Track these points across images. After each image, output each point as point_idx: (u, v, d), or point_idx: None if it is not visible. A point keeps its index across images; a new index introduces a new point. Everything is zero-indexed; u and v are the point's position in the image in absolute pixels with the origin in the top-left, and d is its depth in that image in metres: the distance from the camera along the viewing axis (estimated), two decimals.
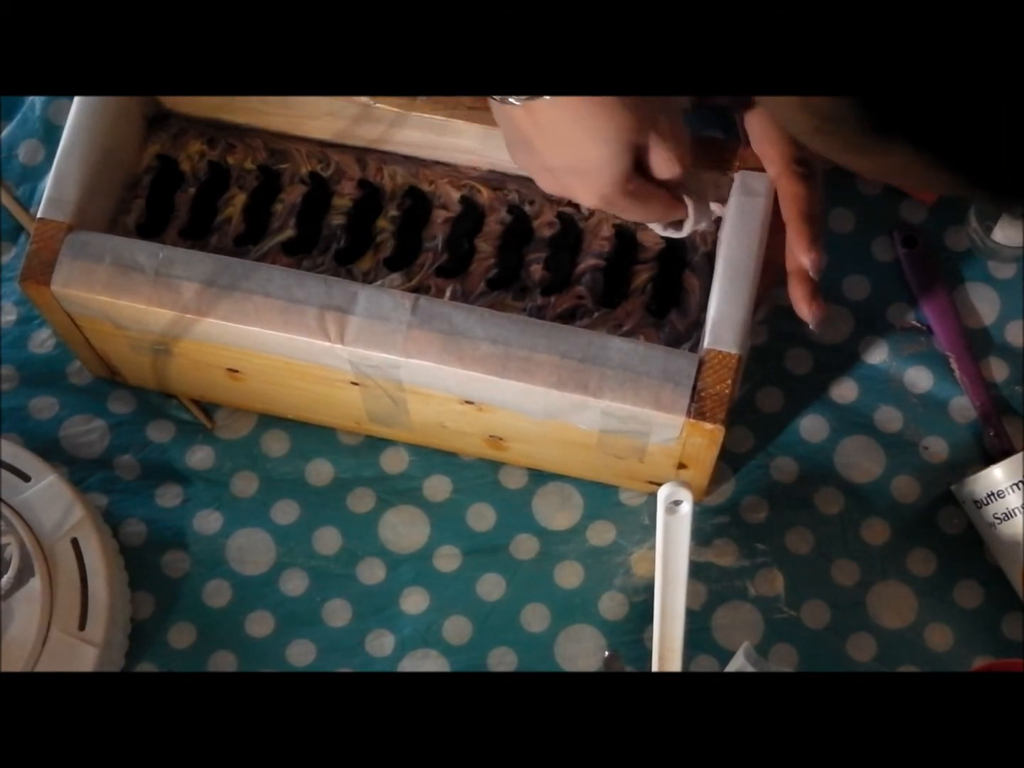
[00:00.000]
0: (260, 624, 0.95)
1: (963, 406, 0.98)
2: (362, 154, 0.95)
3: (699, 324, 0.90)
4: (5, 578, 0.88)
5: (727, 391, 0.84)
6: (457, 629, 0.95)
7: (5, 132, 1.06)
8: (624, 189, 0.80)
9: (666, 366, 0.85)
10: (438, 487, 0.98)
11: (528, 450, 0.94)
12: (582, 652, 0.94)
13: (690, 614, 0.81)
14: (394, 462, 0.98)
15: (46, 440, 0.98)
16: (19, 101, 1.07)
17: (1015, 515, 0.91)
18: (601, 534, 0.96)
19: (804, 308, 0.86)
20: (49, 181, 0.90)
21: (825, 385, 0.99)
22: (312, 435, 0.98)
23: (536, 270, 0.92)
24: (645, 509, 0.97)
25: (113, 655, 0.91)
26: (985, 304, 1.01)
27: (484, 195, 0.94)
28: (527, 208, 0.94)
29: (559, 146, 0.79)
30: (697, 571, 0.94)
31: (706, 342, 0.86)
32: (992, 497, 0.92)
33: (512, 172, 0.94)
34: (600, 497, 0.97)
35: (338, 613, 0.95)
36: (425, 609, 0.95)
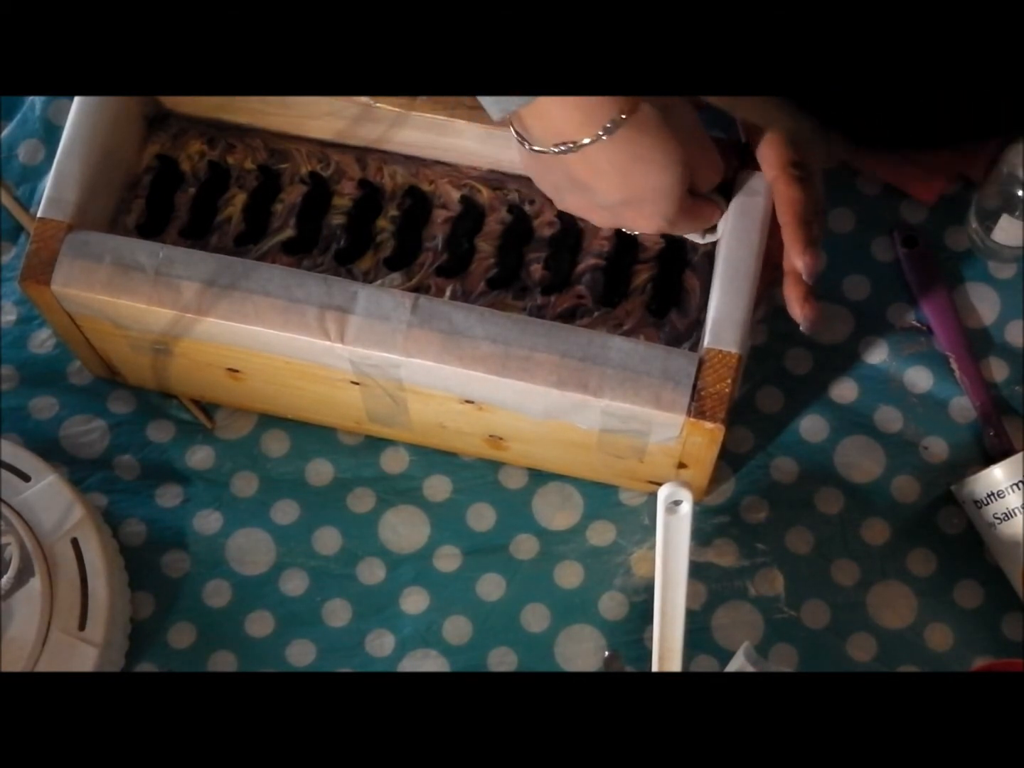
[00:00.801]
0: (260, 624, 0.95)
1: (963, 406, 0.98)
2: (362, 154, 0.95)
3: (699, 324, 0.90)
4: (5, 578, 0.88)
5: (727, 390, 0.84)
6: (457, 629, 0.95)
7: (5, 132, 1.07)
8: (683, 209, 0.84)
9: (666, 365, 0.85)
10: (438, 487, 0.98)
11: (528, 450, 0.94)
12: (582, 652, 0.94)
13: (690, 614, 0.81)
14: (394, 462, 0.98)
15: (46, 440, 0.98)
16: (19, 101, 1.07)
17: (1015, 515, 0.91)
18: (601, 534, 0.96)
19: (797, 309, 0.86)
20: (49, 181, 0.90)
21: (825, 385, 0.99)
22: (312, 435, 0.98)
23: (536, 270, 0.92)
24: (645, 509, 0.97)
25: (113, 655, 0.91)
26: (985, 304, 1.01)
27: (484, 195, 0.94)
28: (527, 208, 0.94)
29: (619, 184, 0.82)
30: (697, 571, 0.94)
31: (706, 341, 0.86)
32: (992, 497, 0.92)
33: (512, 172, 0.94)
34: (600, 497, 0.97)
35: (338, 613, 0.95)
36: (425, 609, 0.95)
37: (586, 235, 0.93)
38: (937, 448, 0.98)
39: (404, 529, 0.97)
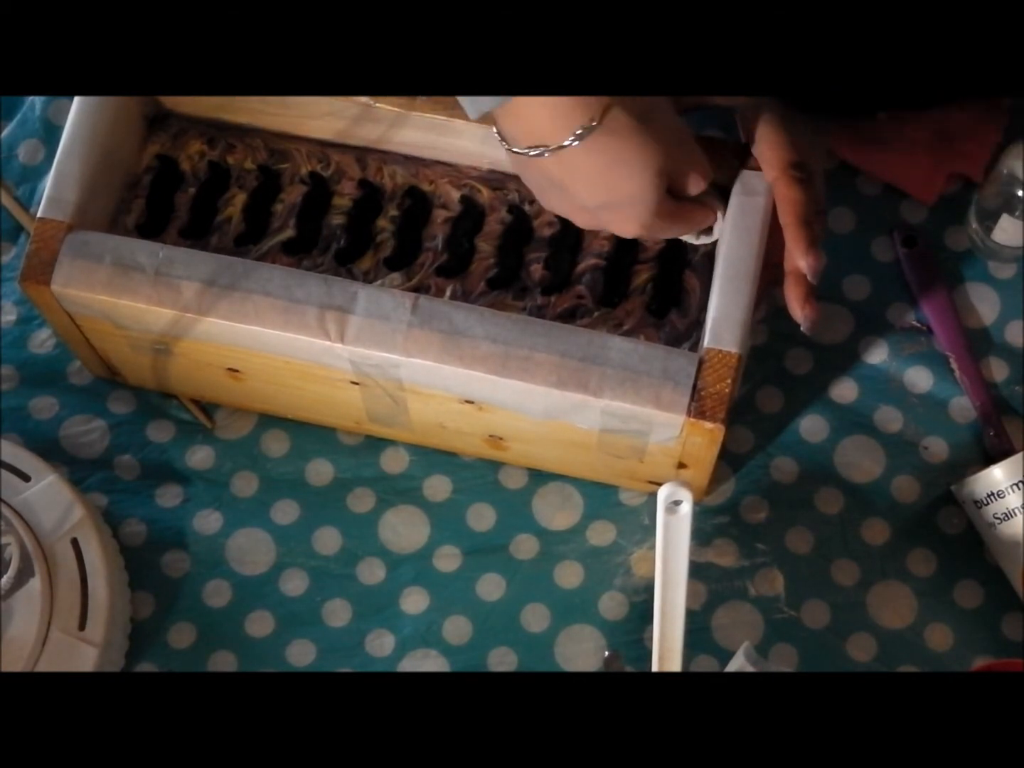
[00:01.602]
0: (260, 624, 0.95)
1: (963, 406, 0.98)
2: (362, 154, 0.95)
3: (699, 323, 0.90)
4: (5, 578, 0.88)
5: (727, 390, 0.84)
6: (457, 629, 0.95)
7: (5, 132, 1.07)
8: (661, 214, 0.83)
9: (666, 365, 0.85)
10: (438, 487, 0.98)
11: (528, 450, 0.94)
12: (582, 652, 0.94)
13: (690, 614, 0.81)
14: (394, 462, 0.98)
15: (46, 440, 0.98)
16: (19, 101, 1.07)
17: (1015, 515, 0.91)
18: (601, 534, 0.96)
19: (797, 309, 0.86)
20: (49, 181, 0.90)
21: (825, 385, 0.99)
22: (312, 435, 0.98)
23: (536, 270, 0.92)
24: (645, 509, 0.97)
25: (113, 655, 0.91)
26: (985, 304, 1.01)
27: (484, 195, 0.94)
28: (527, 208, 0.94)
29: (594, 187, 0.81)
30: (697, 571, 0.94)
31: (706, 341, 0.86)
32: (992, 497, 0.92)
33: (512, 172, 0.93)
34: (600, 497, 0.97)
35: (338, 613, 0.95)
36: (425, 609, 0.95)
37: (586, 235, 0.93)
38: (937, 448, 0.98)
39: (404, 529, 0.97)
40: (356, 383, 0.90)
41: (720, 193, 0.88)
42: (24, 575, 0.89)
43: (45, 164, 1.04)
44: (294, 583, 0.96)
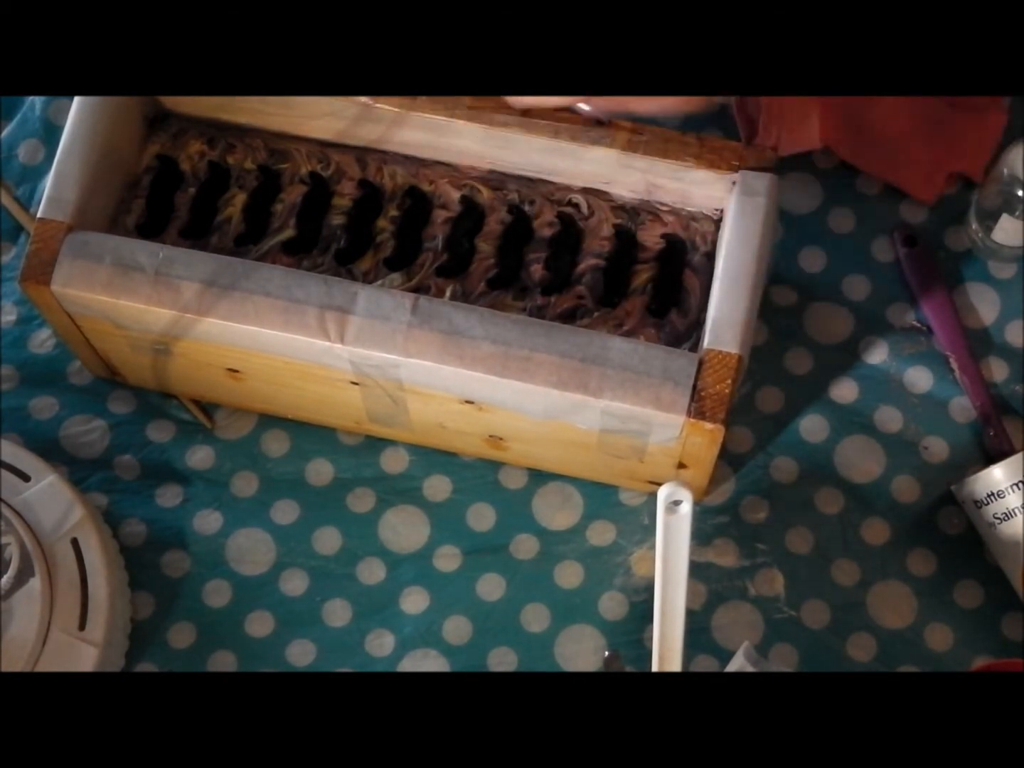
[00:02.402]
0: (260, 624, 0.95)
1: (963, 406, 0.98)
2: (362, 154, 0.95)
3: (699, 324, 0.90)
4: (5, 578, 0.88)
5: (727, 391, 0.84)
6: (457, 629, 0.95)
7: (5, 132, 1.06)
8: None
9: (666, 366, 0.85)
10: (438, 487, 0.98)
11: (528, 450, 0.94)
12: (582, 652, 0.94)
13: (690, 614, 0.81)
14: (394, 462, 0.98)
15: (46, 440, 0.98)
16: (19, 101, 1.07)
17: (1015, 515, 0.91)
18: (601, 534, 0.96)
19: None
20: (49, 181, 0.90)
21: (825, 385, 0.99)
22: (312, 435, 0.98)
23: (536, 270, 0.92)
24: (645, 509, 0.97)
25: (113, 655, 0.91)
26: (985, 304, 1.01)
27: (484, 195, 0.94)
28: (527, 208, 0.94)
29: None
30: (697, 571, 0.94)
31: (706, 342, 0.86)
32: (992, 497, 0.92)
33: (512, 172, 0.94)
34: (600, 497, 0.97)
35: (338, 613, 0.95)
36: (425, 609, 0.95)
37: (586, 235, 0.93)
38: (937, 448, 0.98)
39: (404, 529, 0.97)
40: (356, 383, 0.90)
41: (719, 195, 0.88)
42: (24, 575, 0.89)
43: (45, 164, 1.04)
44: (294, 583, 0.96)
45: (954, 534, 0.96)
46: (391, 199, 0.94)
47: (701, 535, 0.95)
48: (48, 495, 0.92)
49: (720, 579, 0.95)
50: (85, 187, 0.90)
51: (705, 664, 0.93)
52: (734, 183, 0.89)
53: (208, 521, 0.97)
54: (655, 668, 0.83)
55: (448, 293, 0.91)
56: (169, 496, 0.98)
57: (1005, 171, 0.96)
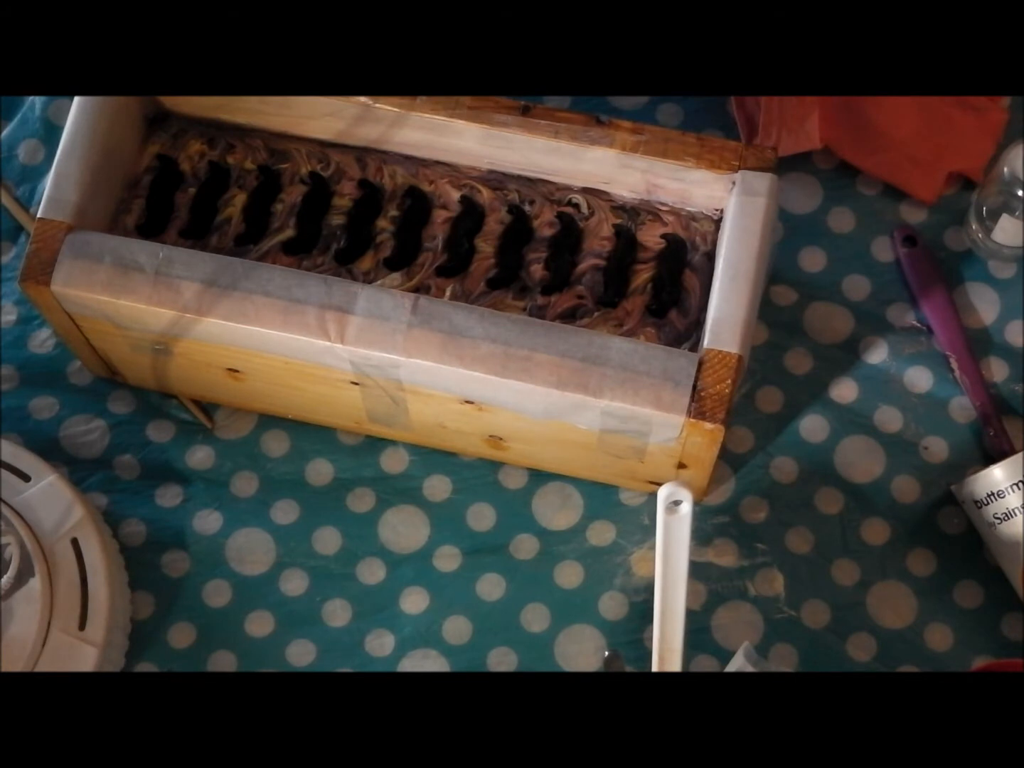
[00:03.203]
0: (260, 624, 0.95)
1: (963, 406, 0.98)
2: (362, 154, 0.95)
3: (699, 324, 0.90)
4: (5, 578, 0.88)
5: (727, 391, 0.84)
6: (457, 629, 0.95)
7: (5, 132, 1.07)
8: None
9: (666, 366, 0.85)
10: (438, 487, 0.98)
11: (528, 450, 0.94)
12: (582, 652, 0.94)
13: (690, 614, 0.81)
14: (394, 462, 0.98)
15: (46, 440, 0.98)
16: (19, 101, 1.07)
17: (1015, 515, 0.91)
18: (601, 534, 0.96)
19: None
20: (49, 181, 0.90)
21: (825, 385, 0.99)
22: (312, 435, 0.98)
23: (536, 270, 0.92)
24: (645, 509, 0.97)
25: (113, 655, 0.91)
26: (985, 304, 1.01)
27: (484, 195, 0.94)
28: (527, 208, 0.94)
29: None
30: (697, 571, 0.94)
31: (706, 342, 0.86)
32: (992, 497, 0.92)
33: (512, 172, 0.94)
34: (600, 497, 0.97)
35: (338, 613, 0.95)
36: (425, 609, 0.95)
37: (586, 235, 0.93)
38: (937, 448, 0.98)
39: (404, 529, 0.97)
40: (356, 383, 0.90)
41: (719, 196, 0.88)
42: (24, 575, 0.89)
43: (45, 164, 1.04)
44: (294, 583, 0.96)
45: (954, 534, 0.96)
46: (391, 199, 0.94)
47: (701, 535, 0.95)
48: (48, 495, 0.92)
49: (720, 579, 0.95)
50: (85, 187, 0.90)
51: (705, 664, 0.93)
52: (734, 183, 0.89)
53: (208, 521, 0.97)
54: (655, 668, 0.83)
55: (448, 293, 0.91)
56: (169, 496, 0.98)
57: (1005, 171, 0.96)
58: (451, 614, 0.95)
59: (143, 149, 0.96)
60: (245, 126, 0.96)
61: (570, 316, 0.91)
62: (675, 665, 0.82)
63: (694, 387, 0.84)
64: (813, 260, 1.02)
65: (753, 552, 0.95)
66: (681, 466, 0.90)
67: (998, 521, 0.92)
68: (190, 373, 0.95)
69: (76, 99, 0.92)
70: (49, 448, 0.98)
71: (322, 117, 0.94)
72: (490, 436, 0.93)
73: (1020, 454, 0.92)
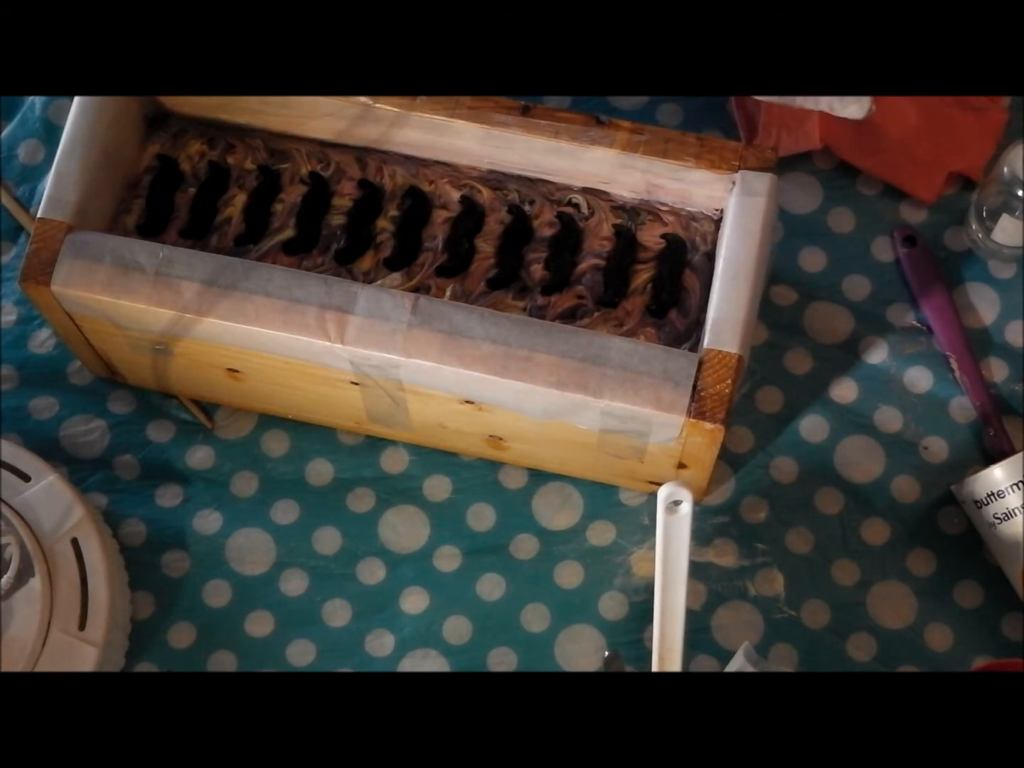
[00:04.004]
0: (260, 624, 0.95)
1: (963, 406, 0.98)
2: (362, 154, 0.95)
3: (699, 324, 0.90)
4: (5, 578, 0.88)
5: (727, 391, 0.84)
6: (457, 629, 0.95)
7: (5, 132, 1.06)
8: None
9: (666, 366, 0.85)
10: (438, 487, 0.98)
11: (528, 450, 0.94)
12: (582, 652, 0.94)
13: (690, 614, 0.81)
14: (394, 462, 0.98)
15: (46, 440, 0.98)
16: (19, 101, 1.07)
17: (1015, 515, 0.91)
18: (601, 534, 0.96)
19: None
20: (49, 181, 0.90)
21: (825, 385, 0.99)
22: (312, 435, 0.98)
23: (536, 270, 0.92)
24: (645, 509, 0.97)
25: (113, 655, 0.91)
26: (985, 304, 1.01)
27: (484, 195, 0.94)
28: (527, 208, 0.94)
29: None
30: (697, 571, 0.94)
31: (706, 342, 0.86)
32: (992, 497, 0.92)
33: (512, 172, 0.94)
34: (600, 497, 0.97)
35: (338, 613, 0.95)
36: (425, 609, 0.95)
37: (586, 235, 0.93)
38: (937, 448, 0.98)
39: (404, 529, 0.97)
40: (356, 383, 0.90)
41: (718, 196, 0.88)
42: (24, 575, 0.89)
43: (45, 164, 1.04)
44: (294, 583, 0.96)
45: (954, 534, 0.96)
46: (391, 199, 0.94)
47: (701, 535, 0.95)
48: (48, 495, 0.92)
49: (720, 579, 0.95)
50: (85, 187, 0.90)
51: (705, 664, 0.93)
52: (734, 183, 0.89)
53: (208, 521, 0.97)
54: (655, 668, 0.83)
55: (448, 293, 0.91)
56: (169, 496, 0.98)
57: (1005, 171, 0.96)
58: (451, 614, 0.95)
59: (143, 149, 0.96)
60: (245, 126, 0.96)
61: (570, 316, 0.91)
62: (675, 665, 0.82)
63: (694, 387, 0.84)
64: (813, 260, 1.02)
65: (753, 552, 0.95)
66: (681, 466, 0.90)
67: (998, 521, 0.92)
68: (190, 373, 0.95)
69: (76, 99, 0.92)
70: (49, 448, 0.97)
71: (322, 117, 0.94)
72: (490, 436, 0.93)
73: (1020, 454, 0.92)
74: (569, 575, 0.96)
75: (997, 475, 0.92)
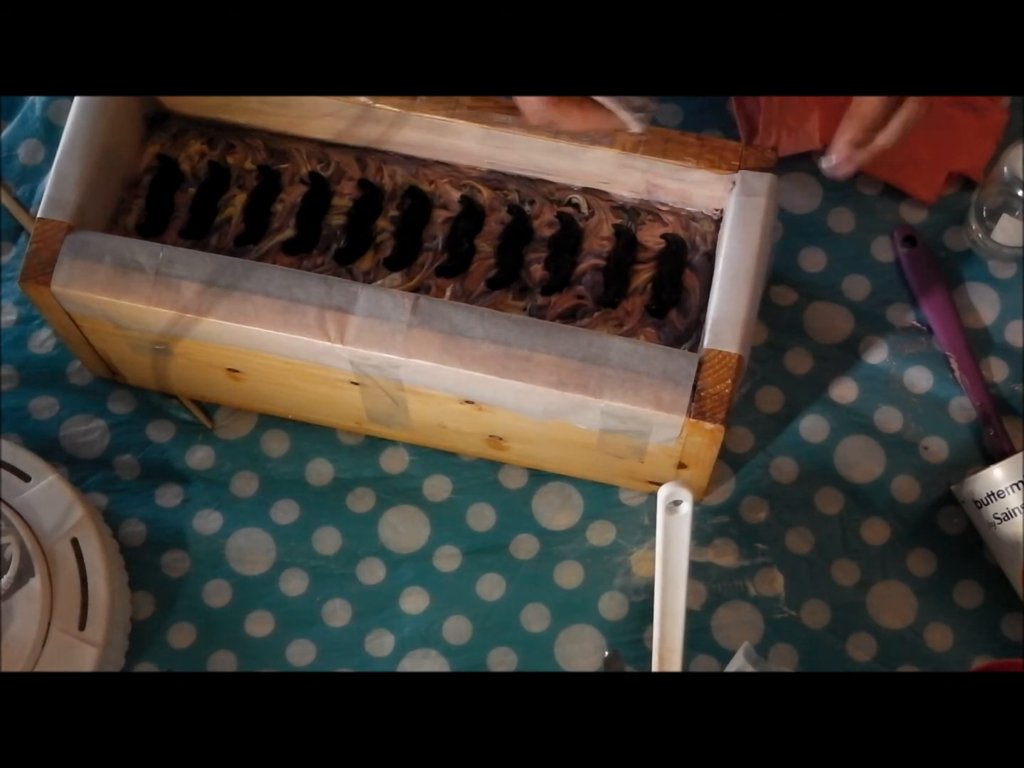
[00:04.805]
0: (260, 624, 0.95)
1: (963, 406, 0.98)
2: (362, 154, 0.95)
3: (699, 324, 0.90)
4: (5, 578, 0.88)
5: (727, 391, 0.84)
6: (457, 629, 0.95)
7: (5, 132, 1.06)
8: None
9: (666, 366, 0.85)
10: (438, 487, 0.98)
11: (528, 450, 0.94)
12: (582, 652, 0.94)
13: (690, 614, 0.81)
14: (394, 462, 0.98)
15: (46, 440, 0.98)
16: (19, 101, 1.07)
17: (1015, 515, 0.91)
18: (601, 534, 0.96)
19: (841, 149, 0.85)
20: (49, 181, 0.90)
21: (825, 385, 0.99)
22: (312, 435, 0.98)
23: (536, 270, 0.92)
24: (645, 509, 0.97)
25: (113, 655, 0.91)
26: (985, 304, 1.01)
27: (484, 195, 0.94)
28: (527, 208, 0.94)
29: None
30: (697, 571, 0.94)
31: (706, 342, 0.86)
32: (992, 497, 0.92)
33: (512, 172, 0.94)
34: (600, 497, 0.97)
35: (338, 613, 0.95)
36: (425, 609, 0.95)
37: (586, 235, 0.93)
38: (937, 448, 0.98)
39: (404, 529, 0.97)
40: (356, 383, 0.90)
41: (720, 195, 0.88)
42: (24, 575, 0.89)
43: (45, 164, 1.04)
44: (294, 583, 0.96)
45: (954, 534, 0.96)
46: (391, 199, 0.94)
47: (701, 535, 0.95)
48: (48, 495, 0.92)
49: (720, 579, 0.95)
50: (85, 187, 0.90)
51: (705, 664, 0.93)
52: (734, 183, 0.89)
53: (208, 521, 0.97)
54: (655, 668, 0.83)
55: (448, 293, 0.91)
56: (169, 496, 0.98)
57: (1005, 171, 0.96)
58: (451, 614, 0.95)
59: (143, 149, 0.96)
60: (245, 126, 0.96)
61: (570, 316, 0.91)
62: (675, 665, 0.82)
63: (694, 387, 0.84)
64: (813, 260, 1.02)
65: (753, 552, 0.95)
66: (681, 466, 0.90)
67: (998, 521, 0.92)
68: (190, 373, 0.95)
69: (76, 99, 0.92)
70: (49, 448, 0.97)
71: (322, 117, 0.94)
72: (490, 436, 0.93)
73: (1020, 454, 0.92)
74: (569, 575, 0.96)
75: (997, 475, 0.92)
